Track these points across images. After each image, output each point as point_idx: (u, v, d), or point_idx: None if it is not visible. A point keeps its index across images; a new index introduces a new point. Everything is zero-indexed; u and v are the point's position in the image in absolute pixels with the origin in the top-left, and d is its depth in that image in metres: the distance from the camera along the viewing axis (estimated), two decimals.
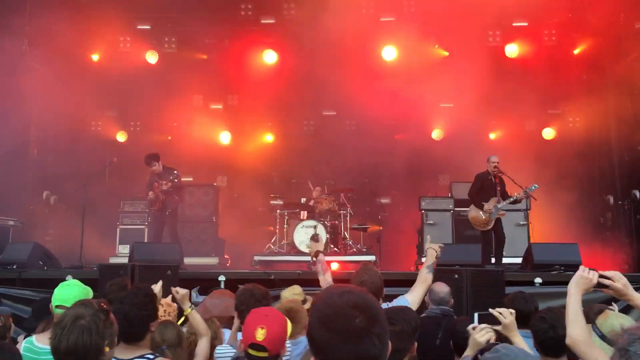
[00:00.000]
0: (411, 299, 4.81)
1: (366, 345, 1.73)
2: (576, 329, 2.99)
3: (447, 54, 13.66)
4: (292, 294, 5.55)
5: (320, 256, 4.71)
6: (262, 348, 3.00)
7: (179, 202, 10.90)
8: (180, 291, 4.42)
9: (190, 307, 4.30)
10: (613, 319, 3.42)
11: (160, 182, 10.44)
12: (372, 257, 11.30)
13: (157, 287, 4.56)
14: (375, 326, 1.75)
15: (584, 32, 13.53)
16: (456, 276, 7.30)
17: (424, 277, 4.94)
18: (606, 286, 3.06)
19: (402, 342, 2.90)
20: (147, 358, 3.47)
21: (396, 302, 4.63)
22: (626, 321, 3.39)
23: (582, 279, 3.08)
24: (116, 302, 3.69)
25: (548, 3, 13.09)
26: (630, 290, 3.05)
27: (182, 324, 4.61)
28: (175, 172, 10.59)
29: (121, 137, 14.39)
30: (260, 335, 2.98)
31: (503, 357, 2.57)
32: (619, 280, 3.04)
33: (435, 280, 5.20)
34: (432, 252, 5.08)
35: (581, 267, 3.14)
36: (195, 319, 4.21)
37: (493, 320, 3.66)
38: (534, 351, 3.54)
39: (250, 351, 3.03)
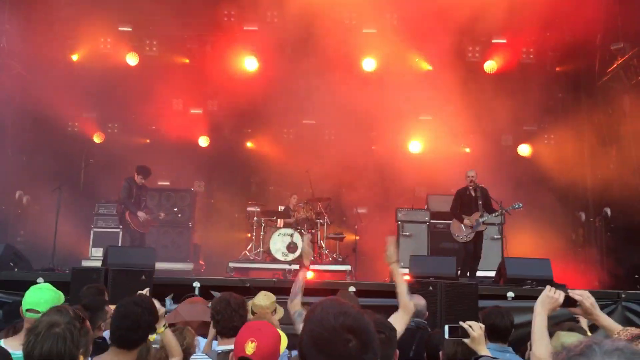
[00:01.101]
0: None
1: None
2: (541, 348, 3.03)
3: (428, 67, 13.81)
4: (268, 302, 5.52)
5: (301, 274, 4.51)
6: None
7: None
8: (159, 309, 4.19)
9: (164, 325, 4.12)
10: (564, 339, 3.47)
11: (153, 211, 10.90)
12: (347, 267, 11.32)
13: (144, 292, 4.49)
14: (368, 352, 1.74)
15: (561, 52, 13.79)
16: (430, 288, 7.34)
17: (406, 304, 4.13)
18: (574, 305, 3.10)
19: (389, 349, 2.93)
20: None
21: None
22: (576, 340, 3.43)
23: (549, 298, 3.12)
24: (127, 303, 3.61)
25: (527, 22, 13.32)
26: (597, 310, 3.10)
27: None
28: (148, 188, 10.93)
29: (98, 138, 14.21)
30: (250, 348, 2.95)
31: None
32: (587, 300, 3.09)
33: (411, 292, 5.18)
34: (394, 268, 4.48)
35: (547, 287, 3.18)
36: (168, 339, 4.07)
37: (463, 333, 3.69)
38: None
39: None
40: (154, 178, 11.40)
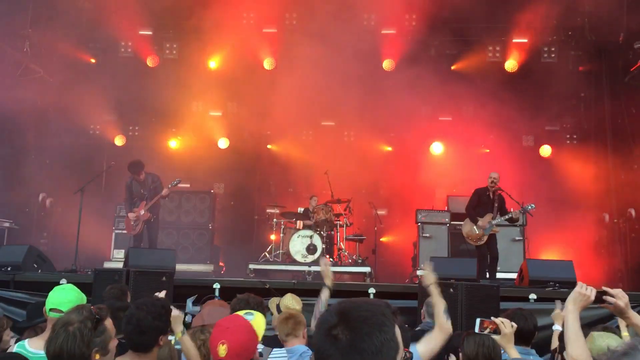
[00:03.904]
0: (422, 349, 3.87)
1: (327, 350, 1.68)
2: (577, 348, 2.92)
3: (449, 67, 13.77)
4: (298, 306, 5.53)
5: (323, 294, 4.36)
6: None
7: (159, 207, 10.81)
8: (174, 313, 4.06)
9: (182, 331, 4.03)
10: (600, 341, 3.40)
11: (144, 202, 10.27)
12: (367, 269, 11.29)
13: (160, 295, 4.50)
14: (356, 340, 1.65)
15: (583, 51, 13.63)
16: (451, 290, 7.29)
17: (442, 324, 3.93)
18: (608, 302, 3.03)
19: None
20: None
21: None
22: (613, 340, 3.38)
23: (580, 295, 3.03)
24: (132, 307, 3.64)
25: (548, 21, 13.20)
26: (629, 309, 3.04)
27: None
28: (157, 176, 10.51)
29: (119, 141, 14.37)
30: (222, 351, 2.94)
31: None
32: (622, 298, 3.02)
33: None
34: (434, 289, 4.21)
35: (579, 284, 3.10)
36: (186, 345, 3.99)
37: (494, 330, 3.67)
38: None
39: None
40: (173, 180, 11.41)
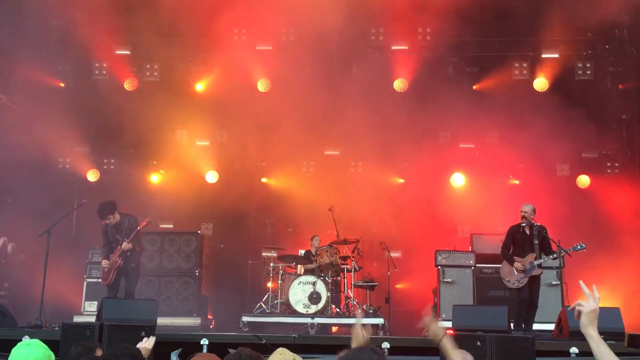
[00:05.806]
0: None
1: None
2: None
3: (470, 87, 13.86)
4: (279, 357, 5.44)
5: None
6: None
7: (141, 252, 10.71)
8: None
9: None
10: None
11: (118, 247, 10.18)
12: (380, 320, 11.16)
13: (151, 342, 4.55)
14: None
15: (622, 66, 13.73)
16: (479, 343, 7.21)
17: None
18: None
19: None
20: None
21: None
22: None
23: (592, 313, 3.02)
24: None
25: (581, 33, 13.33)
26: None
27: None
28: (134, 218, 10.38)
29: (92, 176, 14.40)
30: None
31: None
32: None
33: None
34: (447, 341, 4.02)
35: (578, 302, 3.07)
36: None
37: None
38: None
39: None
40: (155, 220, 11.38)
